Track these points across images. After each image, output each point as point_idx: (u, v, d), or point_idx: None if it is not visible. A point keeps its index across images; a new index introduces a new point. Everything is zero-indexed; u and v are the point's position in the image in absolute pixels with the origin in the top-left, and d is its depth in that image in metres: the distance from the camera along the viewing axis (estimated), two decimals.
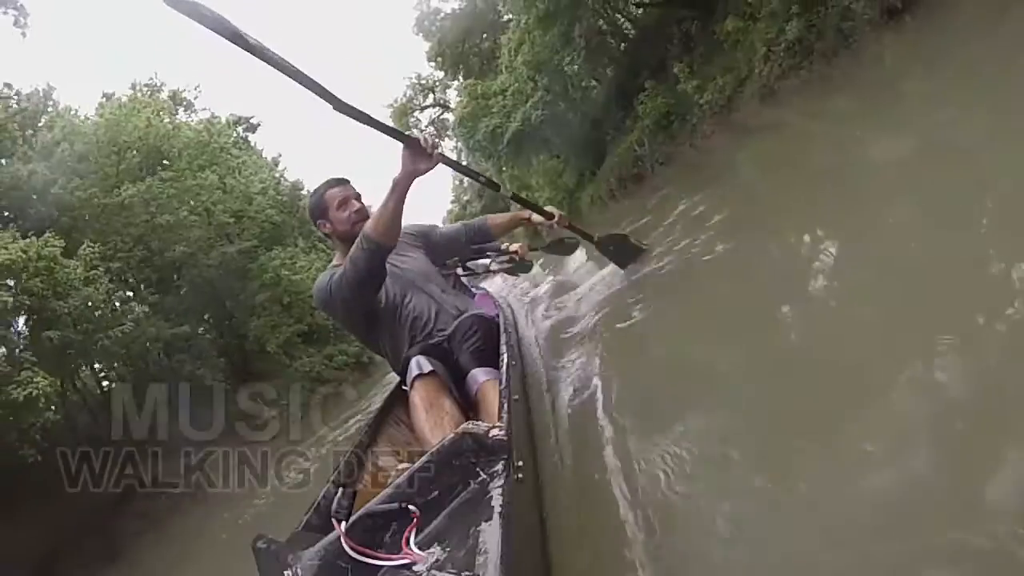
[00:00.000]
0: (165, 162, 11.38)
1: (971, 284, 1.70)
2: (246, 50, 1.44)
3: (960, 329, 1.52)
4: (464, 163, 29.66)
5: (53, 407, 6.09)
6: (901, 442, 1.23)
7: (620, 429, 1.85)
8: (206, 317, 10.72)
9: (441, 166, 1.93)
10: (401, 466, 1.58)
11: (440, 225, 2.62)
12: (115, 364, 7.77)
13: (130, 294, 7.97)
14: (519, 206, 2.84)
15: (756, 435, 1.48)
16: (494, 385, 1.79)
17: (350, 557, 0.96)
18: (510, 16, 16.13)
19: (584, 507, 1.59)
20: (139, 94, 16.34)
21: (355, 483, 1.67)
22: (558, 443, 2.01)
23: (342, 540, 0.98)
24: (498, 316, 2.26)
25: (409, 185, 1.77)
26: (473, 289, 3.67)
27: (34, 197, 9.34)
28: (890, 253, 2.16)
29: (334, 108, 1.61)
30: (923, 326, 1.61)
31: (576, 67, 12.63)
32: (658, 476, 1.48)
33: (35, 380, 5.69)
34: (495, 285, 9.00)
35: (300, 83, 1.53)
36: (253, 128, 19.11)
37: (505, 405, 1.46)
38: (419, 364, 1.85)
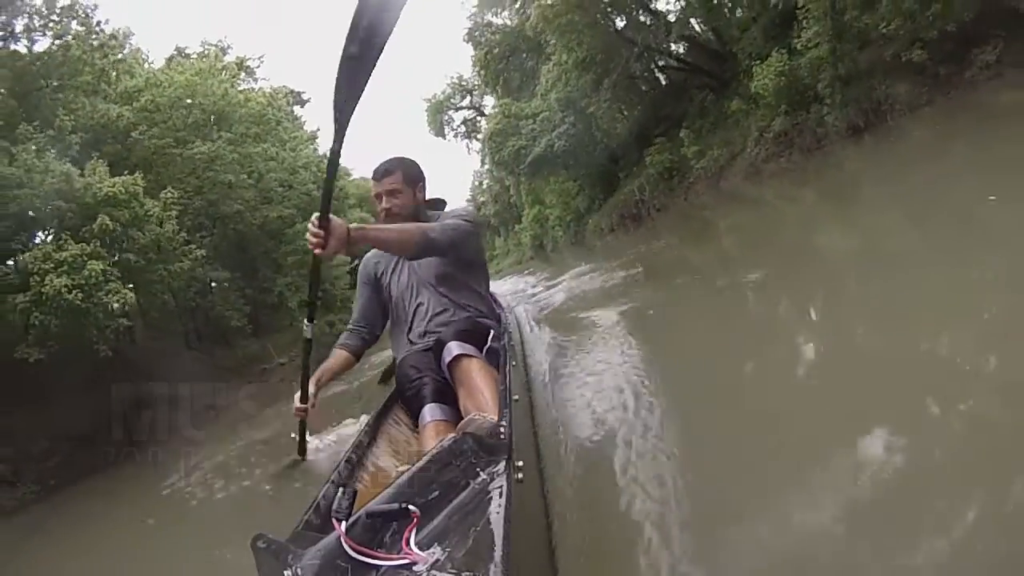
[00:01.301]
0: (230, 126, 12.87)
1: (894, 363, 2.06)
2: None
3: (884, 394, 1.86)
4: (486, 170, 30.43)
5: (126, 315, 7.58)
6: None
7: (620, 427, 1.96)
8: (237, 268, 12.19)
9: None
10: (401, 466, 1.57)
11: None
12: (164, 292, 9.22)
13: (185, 235, 9.37)
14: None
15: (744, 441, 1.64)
16: (473, 362, 1.78)
17: (350, 557, 0.96)
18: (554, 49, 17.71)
19: (584, 507, 1.64)
20: (209, 54, 18.09)
21: (355, 483, 1.66)
22: (558, 442, 2.08)
23: (342, 540, 0.98)
24: (498, 317, 2.25)
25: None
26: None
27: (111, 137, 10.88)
28: (827, 327, 2.83)
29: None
30: (849, 397, 1.94)
31: (602, 112, 14.08)
32: (657, 475, 1.54)
33: (121, 291, 7.20)
34: (505, 286, 10.61)
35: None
36: (303, 103, 20.68)
37: (505, 405, 1.46)
38: (432, 413, 1.81)
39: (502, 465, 1.12)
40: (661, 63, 15.14)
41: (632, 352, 3.18)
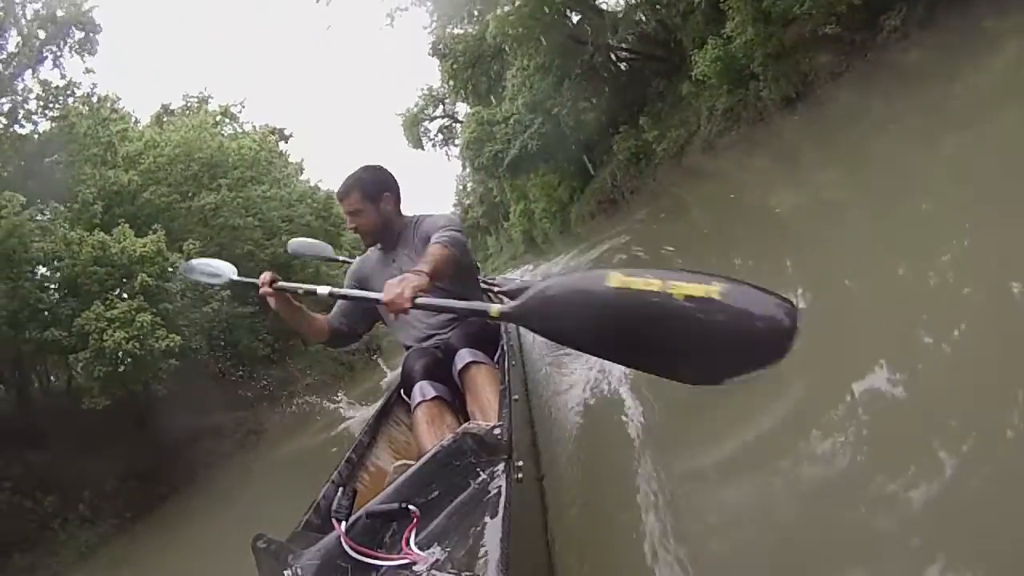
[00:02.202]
0: (225, 173, 13.88)
1: (863, 295, 2.22)
2: None
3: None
4: (467, 174, 30.65)
5: (175, 357, 8.61)
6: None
7: (619, 427, 1.95)
8: (257, 301, 13.24)
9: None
10: (401, 464, 1.59)
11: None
12: (198, 333, 10.24)
13: None
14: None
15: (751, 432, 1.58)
16: (481, 369, 1.79)
17: (350, 557, 0.96)
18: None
19: (584, 506, 1.63)
20: (194, 107, 19.09)
21: (355, 483, 1.66)
22: (558, 442, 2.07)
23: (342, 540, 0.98)
24: None
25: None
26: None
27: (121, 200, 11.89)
28: (779, 269, 3.17)
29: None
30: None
31: (566, 111, 15.07)
32: (658, 474, 1.54)
33: (169, 336, 8.23)
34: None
35: None
36: (286, 139, 21.67)
37: (505, 405, 1.46)
38: (423, 391, 1.82)
39: (502, 465, 1.11)
40: (617, 55, 16.07)
41: None
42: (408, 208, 2.14)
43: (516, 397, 1.57)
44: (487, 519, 0.97)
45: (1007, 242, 2.06)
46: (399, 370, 2.12)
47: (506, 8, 15.03)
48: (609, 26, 13.84)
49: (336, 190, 2.10)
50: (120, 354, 7.76)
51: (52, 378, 10.96)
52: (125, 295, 8.54)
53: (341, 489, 1.08)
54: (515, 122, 18.30)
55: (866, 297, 2.31)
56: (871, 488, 1.28)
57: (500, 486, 1.06)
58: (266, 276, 1.85)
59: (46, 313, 8.44)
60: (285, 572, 0.98)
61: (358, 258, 2.27)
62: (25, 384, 10.41)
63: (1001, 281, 1.89)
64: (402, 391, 2.01)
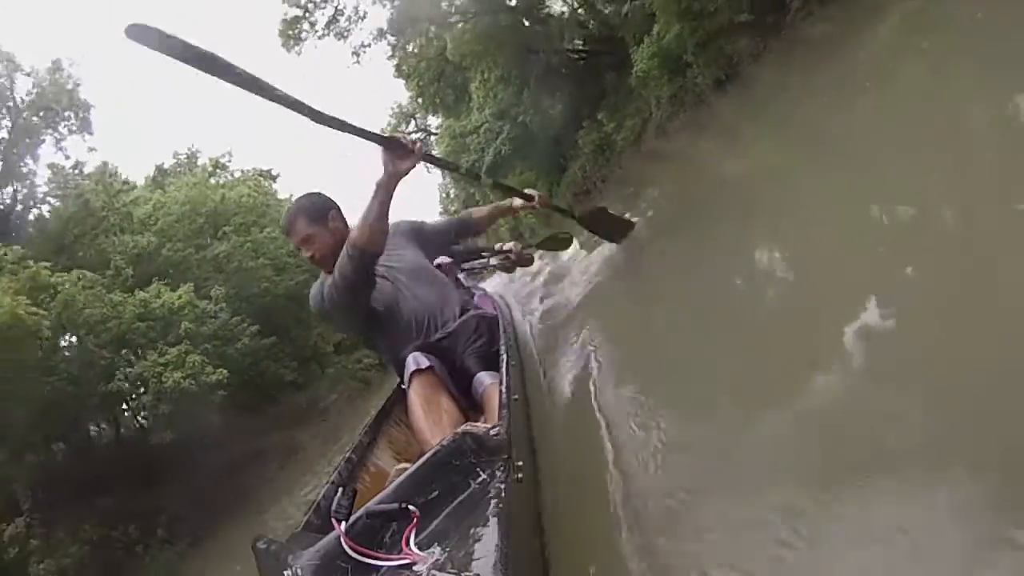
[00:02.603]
0: (227, 220, 15.12)
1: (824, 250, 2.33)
2: (217, 75, 1.45)
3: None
4: (449, 182, 31.37)
5: (223, 388, 9.87)
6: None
7: (620, 426, 1.96)
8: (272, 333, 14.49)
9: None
10: (401, 466, 1.60)
11: (426, 221, 2.53)
12: (232, 368, 11.49)
13: (236, 318, 11.62)
14: (501, 195, 3.01)
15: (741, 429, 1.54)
16: (496, 386, 1.77)
17: (350, 557, 0.97)
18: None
19: (584, 506, 1.65)
20: (180, 162, 20.35)
21: (355, 483, 1.71)
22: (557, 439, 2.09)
23: (342, 540, 0.99)
24: (497, 316, 2.24)
25: (393, 188, 1.76)
26: (472, 289, 3.81)
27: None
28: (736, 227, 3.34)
29: (313, 120, 1.66)
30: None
31: (530, 116, 16.29)
32: (658, 473, 1.56)
33: (217, 370, 9.50)
34: (493, 283, 12.81)
35: (277, 101, 1.55)
36: (274, 179, 22.87)
37: (505, 405, 1.47)
38: (416, 360, 1.85)
39: (502, 465, 1.12)
40: (569, 56, 17.26)
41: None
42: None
43: (516, 397, 1.57)
44: (487, 519, 0.97)
45: (926, 178, 2.35)
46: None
47: (459, 26, 16.31)
48: (556, 32, 15.03)
49: (282, 228, 2.05)
50: (179, 391, 9.01)
51: (97, 430, 12.19)
52: (169, 343, 9.78)
53: (341, 489, 1.09)
54: (486, 131, 19.50)
55: (818, 239, 2.47)
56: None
57: (500, 486, 1.06)
58: (409, 136, 1.89)
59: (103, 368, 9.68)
60: (285, 572, 0.99)
61: (314, 286, 2.12)
62: (80, 438, 11.67)
63: (930, 206, 2.14)
64: (400, 400, 2.05)
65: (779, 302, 2.31)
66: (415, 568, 0.91)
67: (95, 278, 10.51)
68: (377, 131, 1.81)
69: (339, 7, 16.24)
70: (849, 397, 1.45)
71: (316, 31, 15.58)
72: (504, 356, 1.88)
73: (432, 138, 31.30)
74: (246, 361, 12.35)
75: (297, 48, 15.32)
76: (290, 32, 15.25)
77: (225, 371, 9.57)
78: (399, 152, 1.73)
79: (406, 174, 1.75)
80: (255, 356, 12.37)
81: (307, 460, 12.78)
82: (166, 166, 20.35)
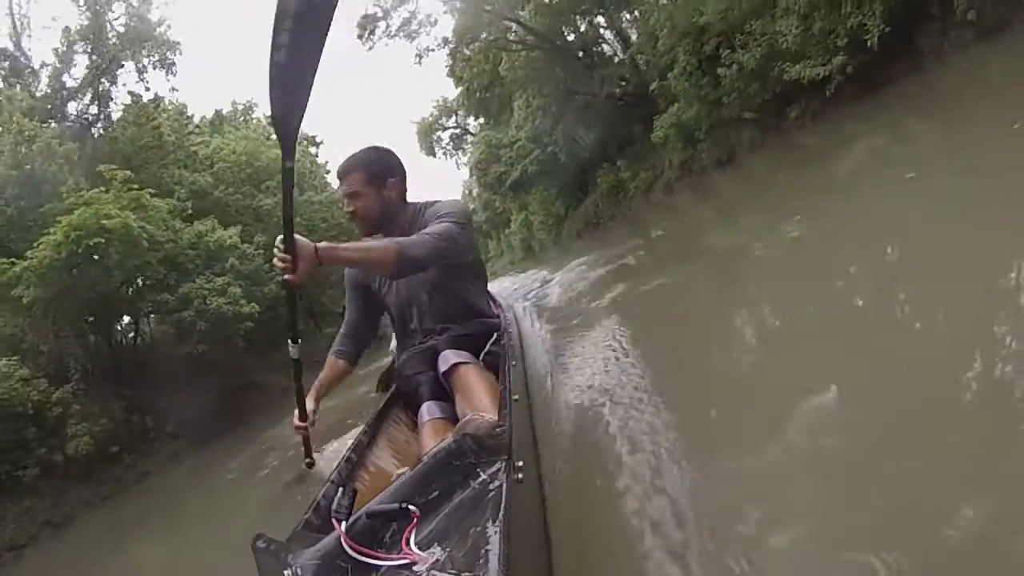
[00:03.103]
0: (275, 178, 16.90)
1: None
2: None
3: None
4: (473, 181, 32.19)
5: (252, 320, 11.62)
6: None
7: (620, 425, 2.04)
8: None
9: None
10: (401, 466, 1.62)
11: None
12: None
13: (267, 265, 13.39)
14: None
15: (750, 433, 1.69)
16: (469, 369, 1.79)
17: (350, 557, 0.97)
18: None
19: (584, 506, 1.69)
20: (237, 111, 22.20)
21: (355, 483, 1.68)
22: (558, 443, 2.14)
23: (342, 540, 0.99)
24: (498, 316, 2.21)
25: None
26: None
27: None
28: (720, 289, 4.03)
29: None
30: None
31: (559, 148, 18.12)
32: (658, 473, 1.61)
33: (250, 304, 11.24)
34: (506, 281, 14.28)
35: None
36: (316, 145, 24.69)
37: (505, 405, 1.47)
38: (430, 410, 1.83)
39: (502, 465, 1.12)
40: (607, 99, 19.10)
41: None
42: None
43: (516, 397, 1.57)
44: (487, 519, 0.97)
45: (881, 278, 2.84)
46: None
47: (518, 51, 18.15)
48: (598, 79, 16.86)
49: (338, 169, 1.94)
50: (218, 314, 10.79)
51: (133, 331, 13.94)
52: (215, 273, 11.57)
53: (341, 489, 1.09)
54: (519, 148, 21.32)
55: (780, 314, 2.97)
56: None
57: (500, 486, 1.07)
58: (299, 424, 1.80)
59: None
60: (285, 572, 0.99)
61: None
62: (116, 334, 13.41)
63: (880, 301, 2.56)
64: (401, 400, 2.09)
65: (737, 355, 2.64)
66: (415, 568, 0.92)
67: (160, 205, 12.30)
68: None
69: (415, 11, 18.13)
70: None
71: (390, 30, 17.40)
72: (504, 356, 1.88)
73: (468, 140, 33.12)
74: (266, 304, 14.08)
75: (370, 42, 17.15)
76: (367, 26, 17.10)
77: (256, 306, 11.34)
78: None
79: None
80: (273, 302, 14.09)
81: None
82: (224, 112, 22.19)
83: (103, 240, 9.09)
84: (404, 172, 1.99)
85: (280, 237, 1.41)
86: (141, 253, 9.81)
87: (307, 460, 1.95)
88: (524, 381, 1.94)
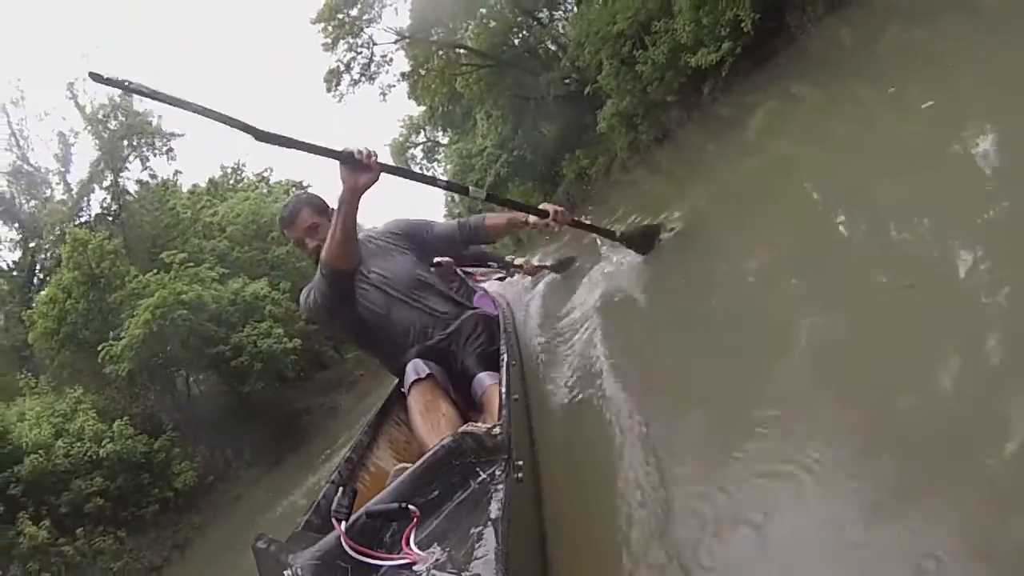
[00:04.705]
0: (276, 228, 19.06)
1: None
2: (169, 103, 1.57)
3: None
4: (461, 210, 34.15)
5: (296, 354, 13.80)
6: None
7: (619, 426, 1.97)
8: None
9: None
10: (401, 466, 1.59)
11: (434, 221, 2.41)
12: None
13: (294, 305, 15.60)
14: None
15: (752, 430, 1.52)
16: (496, 387, 1.80)
17: (350, 557, 0.98)
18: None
19: (583, 506, 1.66)
20: (226, 174, 24.28)
21: (355, 483, 1.73)
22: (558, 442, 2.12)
23: (342, 540, 0.99)
24: (498, 315, 2.26)
25: (356, 202, 1.73)
26: (473, 288, 4.04)
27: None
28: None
29: (258, 139, 1.64)
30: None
31: (523, 149, 20.15)
32: (659, 473, 1.56)
33: (293, 340, 13.42)
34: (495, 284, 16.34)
35: (221, 121, 1.61)
36: (304, 188, 26.70)
37: (505, 405, 1.48)
38: (416, 368, 1.85)
39: (501, 465, 1.13)
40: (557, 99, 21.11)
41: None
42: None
43: (516, 397, 1.59)
44: (487, 519, 0.98)
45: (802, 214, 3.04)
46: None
47: (469, 71, 20.17)
48: (544, 84, 18.88)
49: (279, 219, 2.08)
50: (268, 353, 12.97)
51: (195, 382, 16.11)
52: (256, 320, 13.74)
53: (341, 489, 1.09)
54: (488, 155, 23.30)
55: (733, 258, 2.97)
56: None
57: (500, 486, 1.07)
58: (364, 149, 1.72)
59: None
60: (285, 572, 1.00)
61: (304, 290, 2.13)
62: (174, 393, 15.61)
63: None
64: (400, 400, 2.11)
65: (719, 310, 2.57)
66: (415, 568, 0.92)
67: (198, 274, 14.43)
68: (335, 147, 1.71)
69: (372, 56, 20.14)
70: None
71: (353, 79, 19.41)
72: (504, 356, 1.87)
73: (440, 151, 34.82)
74: (299, 339, 16.25)
75: (338, 92, 19.18)
76: (333, 79, 19.13)
77: (298, 341, 13.52)
78: (357, 167, 1.67)
79: (367, 188, 1.69)
80: (305, 336, 16.25)
81: (343, 415, 16.74)
82: (216, 178, 24.31)
83: (185, 311, 11.24)
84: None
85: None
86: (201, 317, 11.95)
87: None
88: (523, 381, 1.93)
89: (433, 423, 1.75)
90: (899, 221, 2.15)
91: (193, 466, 11.93)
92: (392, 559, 0.96)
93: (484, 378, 1.88)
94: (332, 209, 1.95)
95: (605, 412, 2.04)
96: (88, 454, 10.68)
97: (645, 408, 1.88)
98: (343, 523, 1.03)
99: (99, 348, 11.48)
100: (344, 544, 0.99)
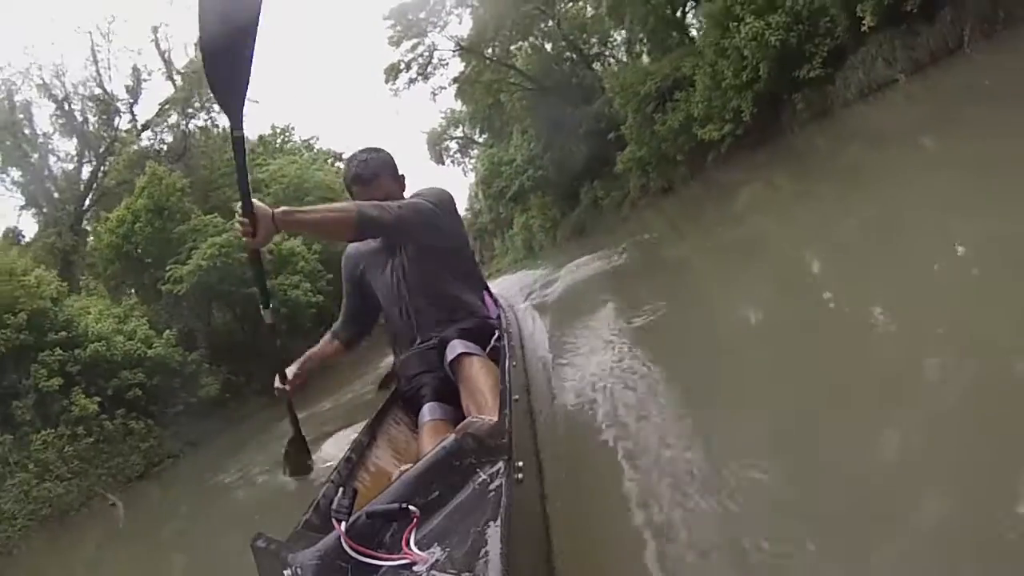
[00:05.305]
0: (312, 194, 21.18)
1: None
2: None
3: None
4: (479, 194, 36.27)
5: (316, 307, 15.94)
6: None
7: (621, 426, 2.10)
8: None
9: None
10: (401, 466, 1.59)
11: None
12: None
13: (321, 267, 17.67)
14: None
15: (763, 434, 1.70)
16: (474, 361, 1.80)
17: (350, 557, 0.98)
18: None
19: (583, 506, 1.70)
20: (276, 134, 26.48)
21: (355, 483, 1.70)
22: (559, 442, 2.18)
23: (342, 540, 0.99)
24: (498, 316, 2.22)
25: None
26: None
27: None
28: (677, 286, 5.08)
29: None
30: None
31: (551, 168, 22.31)
32: (659, 473, 1.62)
33: (317, 295, 15.55)
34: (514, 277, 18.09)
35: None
36: (340, 159, 28.82)
37: (505, 405, 1.48)
38: (431, 411, 1.85)
39: (502, 465, 1.13)
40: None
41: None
42: None
43: (516, 397, 1.58)
44: (487, 519, 0.98)
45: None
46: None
47: (514, 91, 22.34)
48: (579, 118, 21.04)
49: (350, 172, 1.99)
50: (295, 301, 15.15)
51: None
52: (289, 272, 15.90)
53: (341, 489, 1.09)
54: (516, 166, 25.46)
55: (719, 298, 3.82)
56: None
57: (500, 486, 1.08)
58: (280, 386, 1.96)
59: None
60: (285, 572, 1.00)
61: (347, 250, 2.19)
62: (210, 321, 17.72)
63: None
64: (401, 400, 2.12)
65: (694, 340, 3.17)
66: (415, 568, 0.93)
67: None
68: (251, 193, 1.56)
69: (431, 58, 22.35)
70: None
71: (411, 76, 21.62)
72: (504, 356, 1.87)
73: (474, 150, 36.71)
74: (320, 297, 18.36)
75: (395, 86, 21.39)
76: (392, 72, 21.35)
77: (321, 296, 15.67)
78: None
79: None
80: (326, 294, 18.35)
81: (348, 365, 18.85)
82: (265, 136, 26.43)
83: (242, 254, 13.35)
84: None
85: (239, 205, 1.50)
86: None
87: (291, 472, 2.19)
88: (524, 381, 1.95)
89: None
90: (836, 293, 3.07)
91: (216, 382, 14.04)
92: (392, 559, 0.97)
93: (457, 345, 1.85)
94: (401, 172, 2.07)
95: (610, 411, 2.27)
96: (137, 352, 12.83)
97: (650, 406, 2.15)
98: (343, 523, 1.03)
99: (167, 268, 13.62)
100: (344, 544, 1.00)
